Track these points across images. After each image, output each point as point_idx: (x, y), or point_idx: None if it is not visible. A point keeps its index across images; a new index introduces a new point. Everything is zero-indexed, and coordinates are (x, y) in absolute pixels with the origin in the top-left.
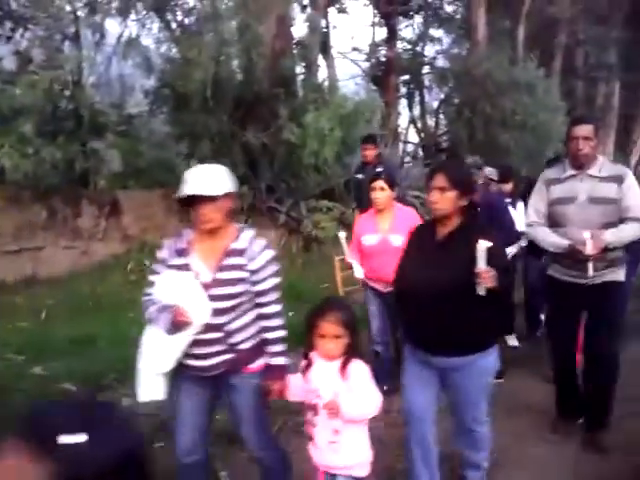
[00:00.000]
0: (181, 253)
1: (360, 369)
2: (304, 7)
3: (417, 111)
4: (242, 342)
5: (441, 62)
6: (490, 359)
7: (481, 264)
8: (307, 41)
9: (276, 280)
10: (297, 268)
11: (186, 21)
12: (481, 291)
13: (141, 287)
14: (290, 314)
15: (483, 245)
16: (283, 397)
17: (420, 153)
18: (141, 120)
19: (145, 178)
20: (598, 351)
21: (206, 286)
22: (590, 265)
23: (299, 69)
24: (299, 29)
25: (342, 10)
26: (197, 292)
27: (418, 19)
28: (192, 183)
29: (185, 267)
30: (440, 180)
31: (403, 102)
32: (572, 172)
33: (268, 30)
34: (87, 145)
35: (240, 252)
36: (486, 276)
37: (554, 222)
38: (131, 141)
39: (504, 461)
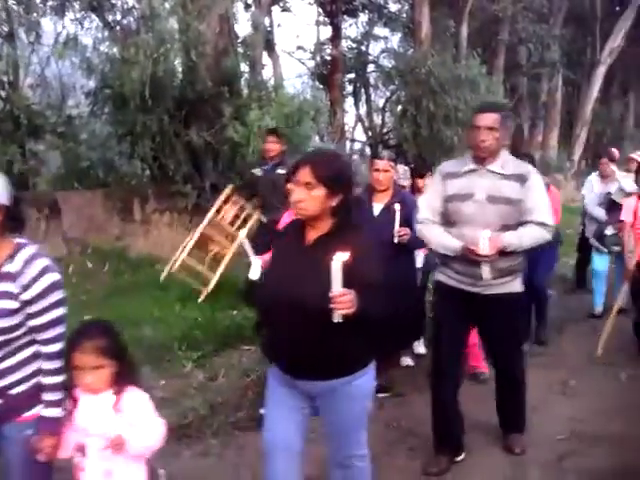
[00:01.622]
0: None
1: (136, 399)
2: (248, 5)
3: (364, 109)
4: (14, 385)
5: (386, 60)
6: (366, 379)
7: (336, 285)
8: (251, 39)
9: (58, 312)
10: (243, 266)
11: (125, 21)
12: (336, 318)
13: (83, 290)
14: (234, 312)
15: (338, 261)
16: (55, 456)
17: (367, 151)
18: (82, 121)
19: (88, 179)
20: (503, 367)
21: None
22: (485, 268)
23: (243, 67)
24: (243, 27)
25: (286, 9)
26: None
27: (363, 18)
28: None
29: None
30: (305, 175)
31: (350, 100)
32: (472, 166)
33: (210, 29)
34: (26, 147)
35: (11, 277)
36: (339, 301)
37: (448, 220)
38: (72, 142)
39: None
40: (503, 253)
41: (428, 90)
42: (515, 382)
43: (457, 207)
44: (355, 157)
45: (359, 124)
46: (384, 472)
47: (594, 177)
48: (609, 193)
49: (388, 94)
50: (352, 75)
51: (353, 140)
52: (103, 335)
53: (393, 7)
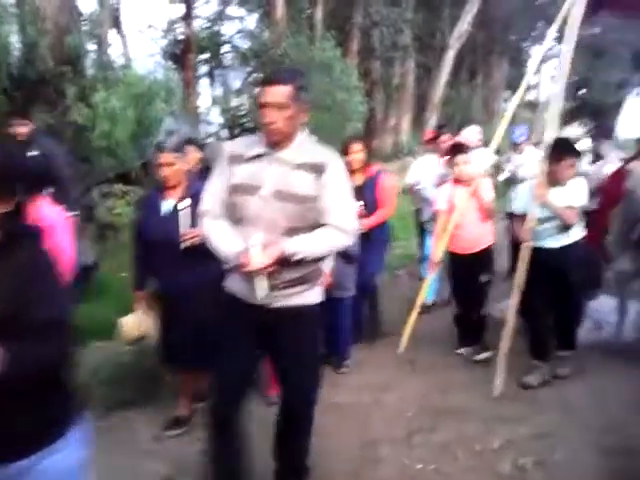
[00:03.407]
0: None
1: None
2: None
3: (219, 91)
4: None
5: (241, 41)
6: (60, 458)
7: None
8: (96, 16)
9: None
10: None
11: None
12: None
13: None
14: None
15: None
16: None
17: (224, 134)
18: None
19: None
20: (290, 399)
21: None
22: (259, 283)
23: (88, 46)
24: (87, 4)
25: None
26: None
27: None
28: None
29: None
30: None
31: (205, 81)
32: (261, 150)
33: (50, 3)
34: None
35: None
36: None
37: (233, 217)
38: None
39: None
40: (289, 263)
41: None
42: (301, 420)
43: (242, 201)
44: (211, 140)
45: (215, 106)
46: None
47: (433, 157)
48: (445, 174)
49: (244, 75)
50: (206, 55)
51: (209, 122)
52: None
53: None
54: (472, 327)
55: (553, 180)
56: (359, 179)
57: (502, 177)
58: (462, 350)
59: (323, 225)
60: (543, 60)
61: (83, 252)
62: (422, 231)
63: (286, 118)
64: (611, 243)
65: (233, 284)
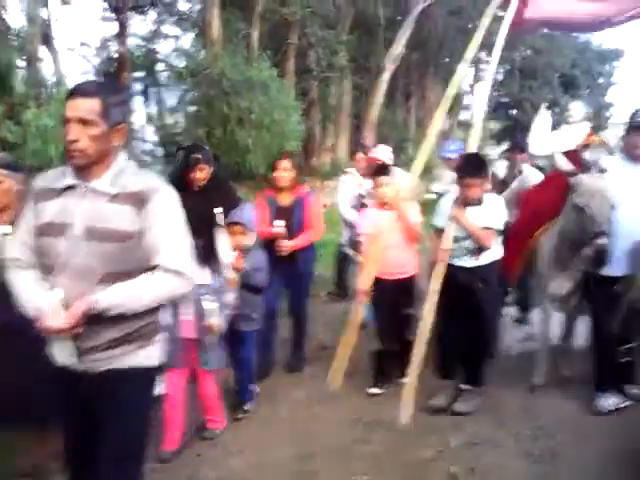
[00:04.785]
0: None
1: None
2: None
3: (154, 109)
4: None
5: (177, 60)
6: None
7: None
8: (26, 32)
9: None
10: None
11: None
12: None
13: None
14: None
15: None
16: None
17: (160, 151)
18: None
19: None
20: None
21: None
22: (63, 346)
23: (18, 62)
24: (16, 19)
25: (66, 1)
26: None
27: (152, 15)
28: None
29: None
30: None
31: (139, 99)
32: (72, 180)
33: None
34: None
35: None
36: None
37: (43, 265)
38: None
39: None
40: (105, 319)
41: (221, 91)
42: None
43: (49, 244)
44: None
45: (150, 124)
46: None
47: (348, 178)
48: (362, 195)
49: (179, 94)
50: (141, 73)
51: (143, 140)
52: None
53: (183, 6)
54: (398, 354)
55: (465, 200)
56: (287, 198)
57: (429, 195)
58: (375, 390)
59: (152, 268)
60: (476, 80)
61: None
62: (340, 254)
63: (92, 137)
64: (542, 263)
65: (54, 350)
